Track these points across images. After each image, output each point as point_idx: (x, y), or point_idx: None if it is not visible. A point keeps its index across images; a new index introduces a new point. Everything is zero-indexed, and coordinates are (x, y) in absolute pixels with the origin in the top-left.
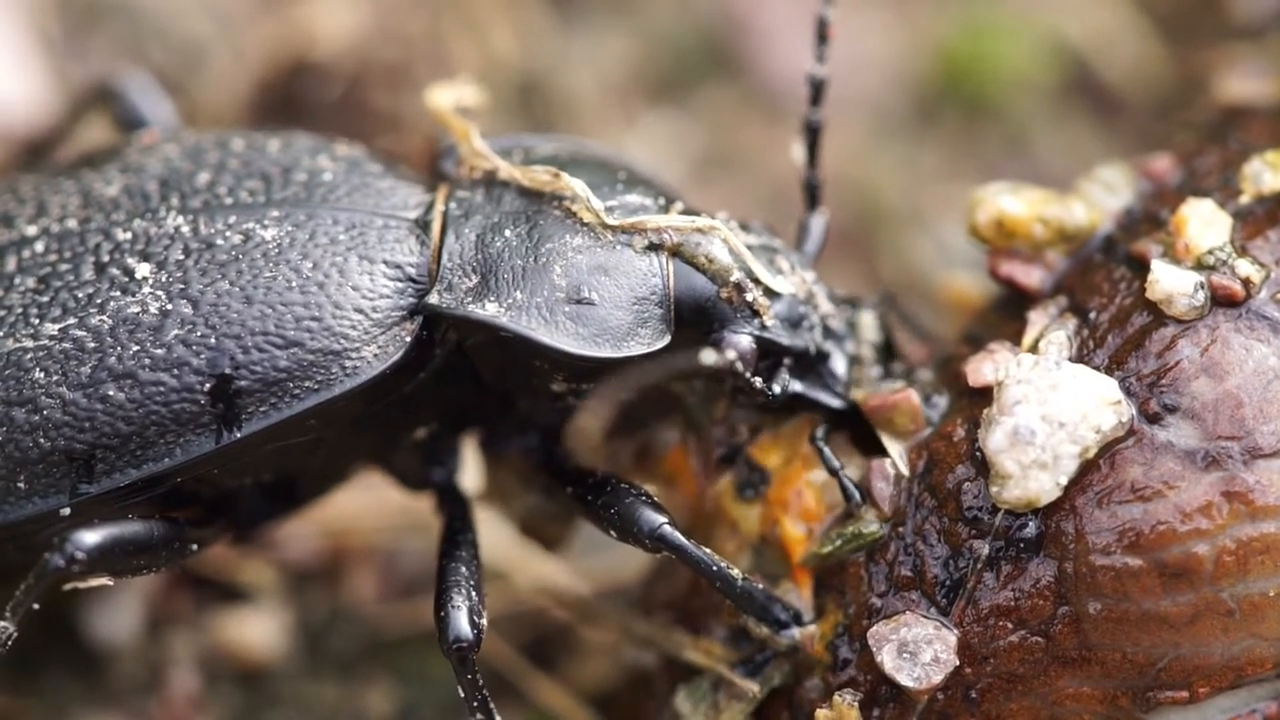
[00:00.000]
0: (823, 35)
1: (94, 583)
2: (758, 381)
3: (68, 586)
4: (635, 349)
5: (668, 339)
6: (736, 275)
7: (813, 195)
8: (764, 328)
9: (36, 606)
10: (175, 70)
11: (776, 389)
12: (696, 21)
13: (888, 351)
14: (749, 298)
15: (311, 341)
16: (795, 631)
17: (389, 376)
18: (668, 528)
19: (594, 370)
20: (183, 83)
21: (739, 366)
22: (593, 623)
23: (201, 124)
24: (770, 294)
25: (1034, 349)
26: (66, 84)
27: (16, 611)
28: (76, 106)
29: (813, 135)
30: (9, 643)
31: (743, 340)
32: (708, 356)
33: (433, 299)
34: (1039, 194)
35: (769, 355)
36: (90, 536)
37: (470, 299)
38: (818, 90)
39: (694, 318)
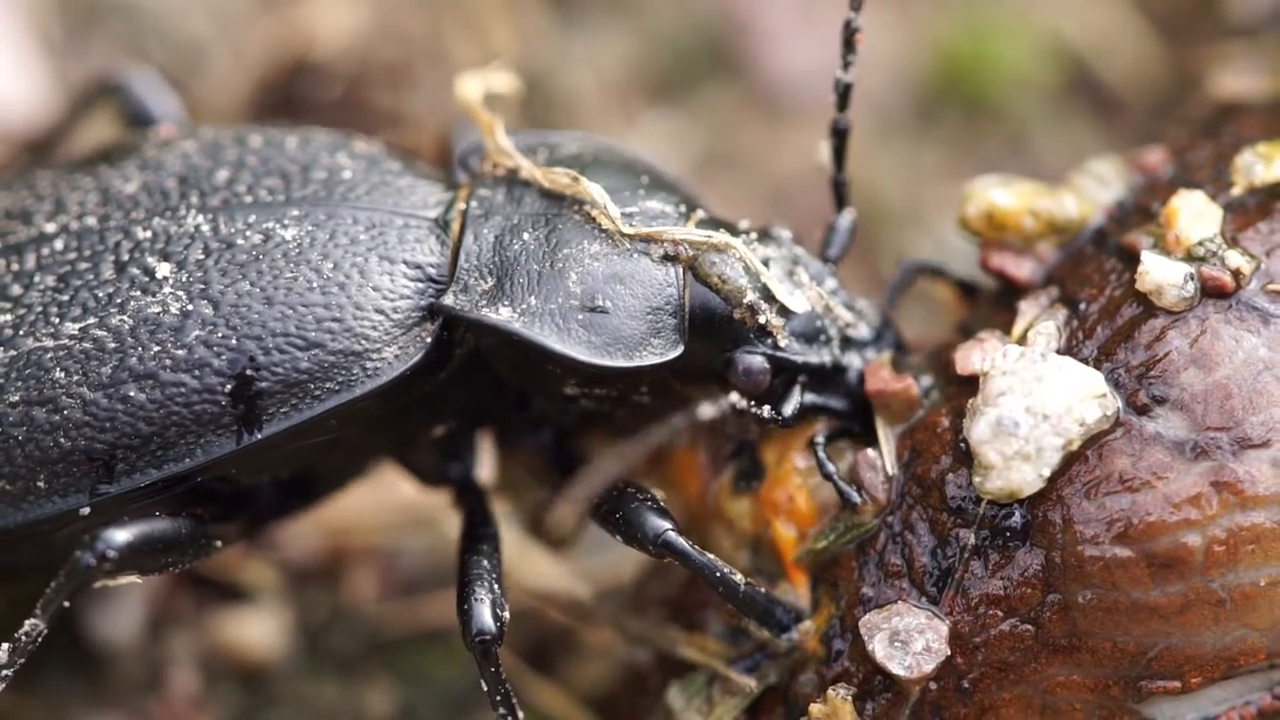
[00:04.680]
0: (849, 43)
1: (123, 580)
2: (765, 411)
3: (98, 584)
4: (648, 359)
5: (680, 349)
6: (750, 298)
7: (840, 196)
8: (777, 347)
9: (67, 604)
10: (175, 70)
11: (788, 411)
12: (696, 21)
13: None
14: (761, 320)
15: (332, 343)
16: (795, 632)
17: (409, 377)
18: (672, 534)
19: (607, 377)
20: (183, 82)
21: (741, 404)
22: (589, 622)
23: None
24: (785, 312)
25: (1023, 339)
26: (66, 84)
27: (47, 609)
28: (79, 101)
29: (840, 139)
30: (39, 639)
31: (756, 360)
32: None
33: (448, 300)
34: (1029, 186)
35: (783, 372)
36: (121, 535)
37: (485, 302)
38: (844, 96)
39: (708, 331)
